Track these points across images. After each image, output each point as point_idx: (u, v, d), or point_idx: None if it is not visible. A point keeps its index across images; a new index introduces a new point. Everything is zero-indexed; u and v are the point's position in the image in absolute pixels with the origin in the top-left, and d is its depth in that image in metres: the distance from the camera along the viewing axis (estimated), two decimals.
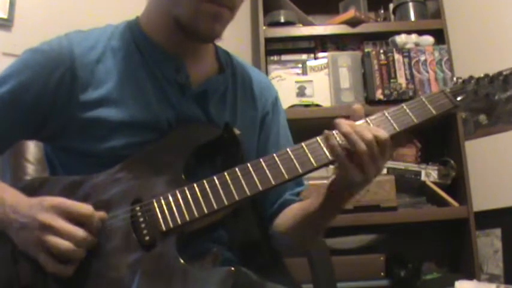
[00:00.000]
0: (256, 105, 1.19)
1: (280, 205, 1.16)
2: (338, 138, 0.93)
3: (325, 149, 0.95)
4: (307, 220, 1.07)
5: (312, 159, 0.95)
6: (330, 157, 0.95)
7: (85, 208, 0.91)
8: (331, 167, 2.12)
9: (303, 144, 0.97)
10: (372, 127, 0.95)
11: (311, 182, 1.95)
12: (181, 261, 0.89)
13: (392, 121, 0.98)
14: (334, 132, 0.95)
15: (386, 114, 0.99)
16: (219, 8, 1.01)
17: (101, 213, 0.93)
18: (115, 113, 1.02)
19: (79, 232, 0.88)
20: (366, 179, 0.93)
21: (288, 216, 1.13)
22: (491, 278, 2.28)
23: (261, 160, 0.95)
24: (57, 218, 0.88)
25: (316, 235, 1.16)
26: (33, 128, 1.05)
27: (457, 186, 2.31)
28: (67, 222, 0.88)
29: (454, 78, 1.05)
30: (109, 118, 1.02)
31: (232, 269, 0.86)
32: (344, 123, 0.93)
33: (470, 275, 2.13)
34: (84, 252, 0.89)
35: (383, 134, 0.93)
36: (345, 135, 0.92)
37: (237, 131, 1.03)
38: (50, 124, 1.04)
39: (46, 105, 1.02)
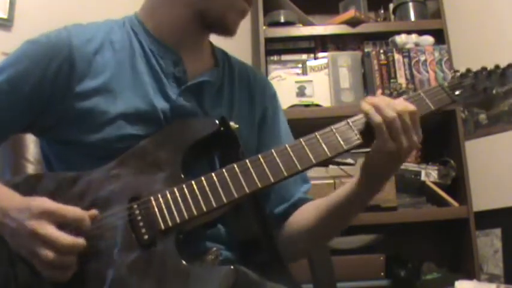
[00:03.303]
0: (255, 101, 1.19)
1: (294, 204, 1.15)
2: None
3: (323, 144, 0.95)
4: (334, 213, 1.06)
5: (310, 155, 0.95)
6: (328, 153, 0.95)
7: (74, 212, 0.89)
8: (332, 167, 2.12)
9: (301, 140, 0.96)
10: (401, 100, 0.97)
11: (312, 182, 1.96)
12: (181, 260, 0.88)
13: None
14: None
15: None
16: (247, 5, 1.08)
17: (92, 212, 0.91)
18: (111, 103, 1.02)
19: (65, 240, 0.86)
20: (399, 149, 0.94)
21: (306, 213, 1.12)
22: (491, 278, 2.28)
23: (260, 156, 0.95)
24: (44, 225, 0.86)
25: (342, 227, 1.13)
26: (31, 117, 1.04)
27: (457, 186, 2.31)
28: (54, 228, 0.86)
29: (452, 71, 1.05)
30: (105, 108, 1.02)
31: (232, 267, 0.86)
32: (369, 98, 0.97)
33: (470, 275, 2.13)
34: (75, 258, 0.87)
35: (412, 106, 0.96)
36: (374, 104, 0.95)
37: (234, 125, 1.02)
38: (47, 114, 1.03)
39: (44, 95, 1.02)
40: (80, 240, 0.88)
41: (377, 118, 0.94)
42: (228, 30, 1.09)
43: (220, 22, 1.08)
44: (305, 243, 1.14)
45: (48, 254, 0.85)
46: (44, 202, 0.90)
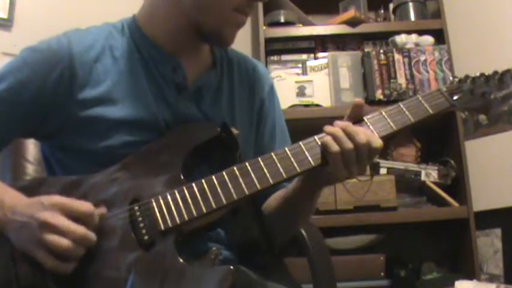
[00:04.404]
0: (254, 93, 1.20)
1: (269, 191, 1.16)
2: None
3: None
4: (286, 204, 1.09)
5: (309, 158, 0.95)
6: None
7: (85, 206, 0.91)
8: None
9: (300, 143, 0.97)
10: (367, 131, 0.96)
11: None
12: (181, 260, 0.89)
13: (389, 120, 0.99)
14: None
15: (384, 113, 1.00)
16: (244, 18, 1.06)
17: (101, 210, 0.93)
18: (113, 111, 1.03)
19: (79, 230, 0.88)
20: (349, 177, 0.96)
21: (272, 200, 1.14)
22: (491, 278, 2.28)
23: (259, 159, 0.96)
24: (57, 216, 0.88)
25: (296, 219, 1.17)
26: (31, 126, 1.05)
27: (457, 186, 2.31)
28: (67, 219, 0.88)
29: (451, 78, 1.05)
30: (107, 116, 1.02)
31: (232, 267, 0.86)
32: (338, 123, 0.96)
33: (470, 275, 2.13)
34: (84, 250, 0.89)
35: (377, 140, 0.95)
36: (332, 134, 0.94)
37: (234, 131, 1.03)
38: (48, 122, 1.04)
39: (45, 103, 1.02)
40: (92, 233, 0.90)
41: (334, 148, 0.93)
42: (224, 43, 1.08)
43: (215, 35, 1.06)
44: (274, 228, 1.14)
45: (62, 241, 0.86)
46: (53, 195, 0.92)
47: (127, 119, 1.03)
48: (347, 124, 0.96)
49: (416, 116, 1.00)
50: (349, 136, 0.94)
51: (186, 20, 1.06)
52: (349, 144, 0.93)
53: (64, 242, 0.87)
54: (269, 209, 1.14)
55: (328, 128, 0.96)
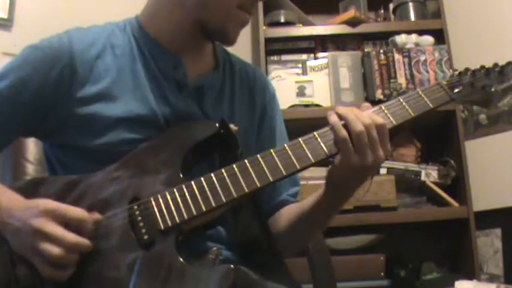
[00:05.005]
0: (255, 100, 1.20)
1: (276, 205, 1.16)
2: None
3: (322, 144, 0.95)
4: (303, 220, 1.07)
5: (309, 154, 0.95)
6: (327, 152, 0.95)
7: (78, 212, 0.90)
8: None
9: (300, 139, 0.96)
10: (369, 113, 0.96)
11: (311, 182, 1.96)
12: (181, 259, 0.88)
13: (389, 115, 0.98)
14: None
15: (383, 107, 0.99)
16: (247, 16, 1.07)
17: (95, 215, 0.92)
18: (112, 108, 1.03)
19: (70, 238, 0.88)
20: (364, 165, 0.93)
21: (283, 216, 1.14)
22: (491, 278, 2.28)
23: (259, 156, 0.95)
24: (49, 223, 0.88)
25: (312, 235, 1.17)
26: (33, 124, 1.05)
27: (457, 186, 2.31)
28: (59, 227, 0.88)
29: (450, 71, 1.05)
30: (106, 113, 1.02)
31: (232, 266, 0.86)
32: (342, 107, 0.95)
33: (470, 275, 2.13)
34: (77, 257, 0.88)
35: (380, 119, 0.94)
36: (342, 116, 0.93)
37: (233, 127, 1.03)
38: (49, 120, 1.04)
39: (45, 101, 1.02)
40: (85, 240, 0.89)
41: (342, 132, 0.92)
42: (228, 40, 1.09)
43: (219, 32, 1.07)
44: (284, 244, 1.13)
45: (53, 249, 0.86)
46: (47, 201, 0.91)
47: (126, 115, 1.02)
48: (351, 108, 0.95)
49: (417, 110, 0.99)
50: (357, 119, 0.92)
51: (189, 19, 1.06)
52: (359, 126, 0.91)
53: (55, 250, 0.86)
54: (282, 226, 1.13)
55: (337, 109, 0.95)
